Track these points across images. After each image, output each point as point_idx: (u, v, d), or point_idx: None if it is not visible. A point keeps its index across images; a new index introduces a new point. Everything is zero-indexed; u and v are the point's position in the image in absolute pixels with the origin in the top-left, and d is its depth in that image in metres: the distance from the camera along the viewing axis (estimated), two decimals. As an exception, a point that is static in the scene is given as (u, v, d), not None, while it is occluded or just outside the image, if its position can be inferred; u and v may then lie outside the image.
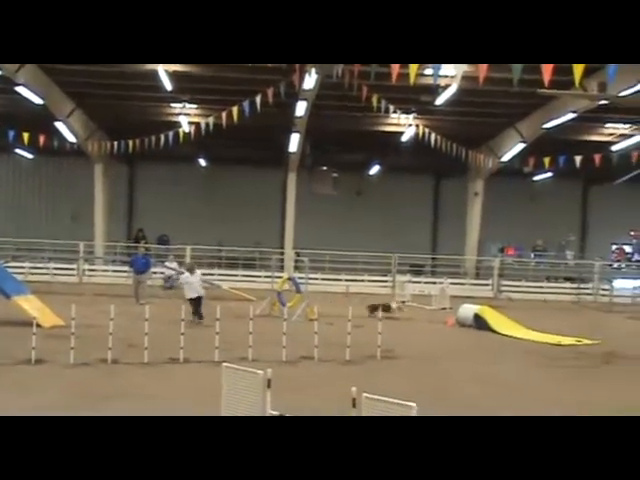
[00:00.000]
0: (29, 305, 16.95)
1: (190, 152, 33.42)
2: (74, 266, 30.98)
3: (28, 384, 11.56)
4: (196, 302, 18.73)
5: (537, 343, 17.89)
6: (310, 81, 21.48)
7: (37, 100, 24.56)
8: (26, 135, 26.61)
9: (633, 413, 11.01)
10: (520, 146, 29.65)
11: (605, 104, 22.00)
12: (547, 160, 27.79)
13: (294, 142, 29.56)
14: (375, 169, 38.34)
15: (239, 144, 33.03)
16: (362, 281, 31.58)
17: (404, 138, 30.06)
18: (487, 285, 32.05)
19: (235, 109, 22.64)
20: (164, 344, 13.93)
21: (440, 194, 40.58)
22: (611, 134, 30.09)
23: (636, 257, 35.29)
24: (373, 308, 20.42)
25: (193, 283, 18.99)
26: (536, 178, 37.05)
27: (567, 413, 10.84)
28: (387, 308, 20.60)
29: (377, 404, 7.15)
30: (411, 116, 27.26)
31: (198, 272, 19.65)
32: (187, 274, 19.45)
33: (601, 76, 18.77)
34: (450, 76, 22.04)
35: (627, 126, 28.93)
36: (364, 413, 7.23)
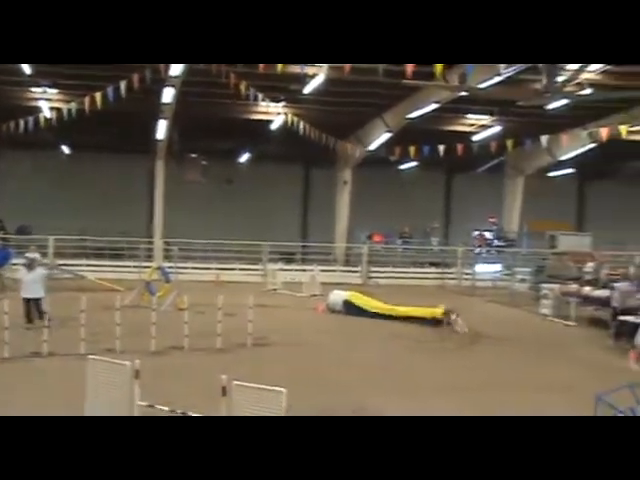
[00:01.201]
0: None
1: (52, 139, 32.17)
2: None
3: None
4: (32, 303, 15.94)
5: (405, 324, 18.43)
6: (176, 67, 21.11)
7: None
8: None
9: (495, 388, 11.59)
10: (386, 135, 30.34)
11: (466, 95, 22.82)
12: (412, 149, 28.55)
13: (161, 129, 29.00)
14: (245, 157, 38.23)
15: (104, 131, 32.05)
16: (233, 269, 31.44)
17: (273, 126, 30.10)
18: (356, 272, 32.65)
19: (99, 95, 21.93)
20: (25, 338, 13.41)
21: (310, 183, 40.98)
22: (472, 124, 31.29)
23: (496, 243, 36.94)
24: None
25: (27, 282, 16.30)
26: (402, 167, 38.07)
27: (435, 390, 11.27)
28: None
29: (247, 391, 7.19)
30: (280, 104, 27.31)
31: (39, 270, 16.98)
32: (24, 270, 17.01)
33: (461, 68, 19.46)
34: (317, 65, 22.22)
35: (487, 117, 30.18)
36: (235, 400, 7.25)
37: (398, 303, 20.37)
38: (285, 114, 26.79)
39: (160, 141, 30.42)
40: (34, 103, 27.53)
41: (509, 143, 26.75)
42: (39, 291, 16.13)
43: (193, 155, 36.00)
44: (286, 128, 27.42)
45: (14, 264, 25.43)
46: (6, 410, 9.37)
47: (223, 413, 7.35)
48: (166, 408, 8.21)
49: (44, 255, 29.46)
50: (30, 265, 16.95)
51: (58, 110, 24.63)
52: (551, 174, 38.48)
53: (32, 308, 15.83)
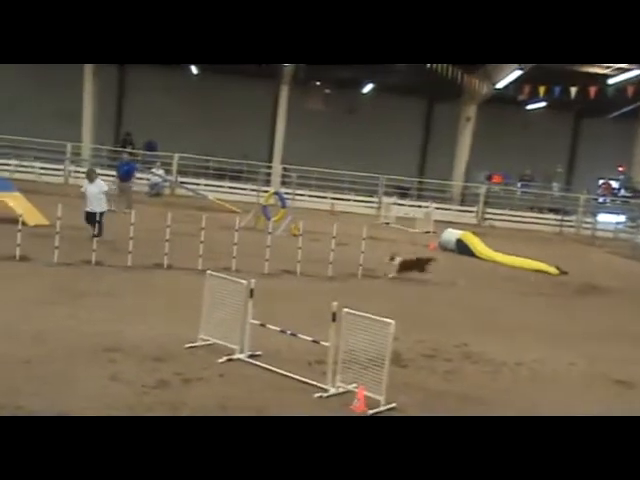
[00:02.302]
0: (15, 202, 16.89)
1: (182, 58, 32.76)
2: (61, 167, 30.75)
3: (11, 279, 11.69)
4: (91, 218, 15.35)
5: (515, 269, 18.13)
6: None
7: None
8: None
9: (595, 337, 11.33)
10: (516, 73, 29.33)
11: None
12: (542, 89, 27.57)
13: (288, 55, 29.04)
14: (368, 87, 37.89)
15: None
16: (348, 200, 31.65)
17: (400, 58, 29.58)
18: (472, 212, 32.22)
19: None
20: (148, 250, 14.01)
21: (432, 117, 40.26)
22: (609, 67, 29.76)
23: (622, 192, 35.42)
24: (405, 266, 15.28)
25: (89, 195, 15.67)
26: (529, 107, 36.82)
27: (538, 335, 11.14)
28: (421, 265, 15.45)
29: (357, 319, 7.32)
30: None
31: (99, 181, 15.94)
32: (86, 182, 16.05)
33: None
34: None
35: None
36: (344, 327, 7.41)
37: (510, 252, 19.98)
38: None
39: (286, 67, 30.53)
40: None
41: (647, 88, 25.40)
42: (101, 204, 15.64)
43: (317, 83, 35.98)
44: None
45: (138, 178, 26.39)
46: (129, 315, 9.96)
47: (332, 338, 7.55)
48: (277, 328, 8.50)
49: (168, 172, 30.57)
50: (89, 176, 16.06)
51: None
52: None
53: (93, 221, 15.14)
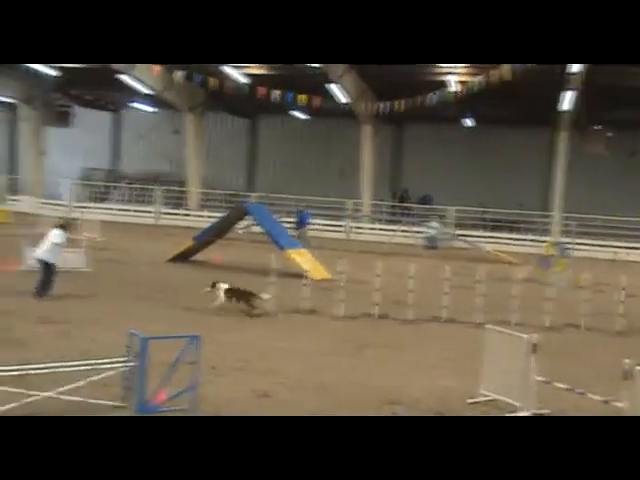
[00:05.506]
0: (301, 258, 18.01)
1: (455, 112, 33.16)
2: (342, 223, 32.26)
3: (300, 331, 12.41)
4: (41, 268, 13.74)
5: None
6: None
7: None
8: (302, 97, 27.77)
9: None
10: None
11: None
12: None
13: (567, 100, 28.12)
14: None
15: (505, 103, 32.09)
16: (635, 248, 29.58)
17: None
18: None
19: (507, 66, 21.96)
20: (428, 302, 14.12)
21: None
22: None
23: None
24: (232, 294, 13.45)
25: (45, 243, 13.85)
26: None
27: None
28: (249, 298, 13.43)
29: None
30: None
31: (56, 231, 13.89)
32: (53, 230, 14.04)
33: None
34: None
35: None
36: (638, 386, 6.90)
37: None
38: None
39: (564, 112, 29.55)
40: (441, 78, 28.50)
41: None
42: (48, 254, 13.71)
43: (597, 127, 34.39)
44: None
45: (416, 232, 26.85)
46: (408, 364, 10.08)
47: (625, 398, 7.04)
48: (563, 386, 8.11)
49: (445, 225, 30.83)
50: (57, 225, 14.25)
51: (464, 83, 25.32)
52: None
53: (41, 274, 13.66)
